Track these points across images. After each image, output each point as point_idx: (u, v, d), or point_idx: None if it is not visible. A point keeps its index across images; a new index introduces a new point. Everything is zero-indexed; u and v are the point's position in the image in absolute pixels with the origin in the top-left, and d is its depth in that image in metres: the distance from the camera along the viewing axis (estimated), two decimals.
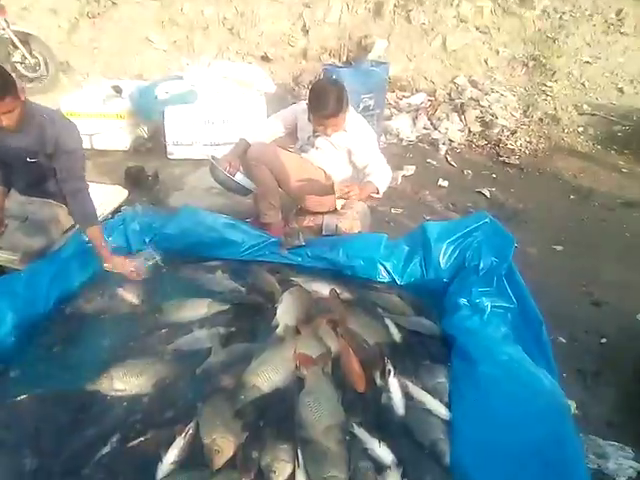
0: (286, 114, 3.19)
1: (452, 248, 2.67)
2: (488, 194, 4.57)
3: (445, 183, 4.72)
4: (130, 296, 2.56)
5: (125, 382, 1.98)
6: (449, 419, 1.93)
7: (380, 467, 1.71)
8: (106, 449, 1.73)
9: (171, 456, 1.69)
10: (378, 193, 2.92)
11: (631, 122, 5.84)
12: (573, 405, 2.18)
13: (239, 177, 3.11)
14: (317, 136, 3.01)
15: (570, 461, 1.55)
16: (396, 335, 2.39)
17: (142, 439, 1.76)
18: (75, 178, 2.59)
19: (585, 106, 6.16)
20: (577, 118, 6.09)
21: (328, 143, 3.01)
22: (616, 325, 2.84)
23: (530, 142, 5.71)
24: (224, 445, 1.69)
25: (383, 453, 1.74)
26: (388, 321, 2.47)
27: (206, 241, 2.91)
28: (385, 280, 2.79)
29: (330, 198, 3.05)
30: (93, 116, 4.82)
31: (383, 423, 1.89)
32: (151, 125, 5.04)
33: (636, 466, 1.97)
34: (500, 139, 5.69)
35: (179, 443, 1.72)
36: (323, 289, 2.67)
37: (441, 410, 1.96)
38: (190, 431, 1.76)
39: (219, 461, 1.65)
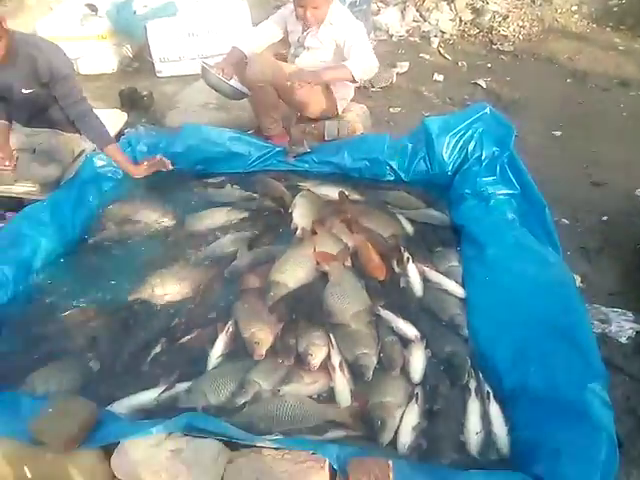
0: (275, 19, 3.10)
1: (454, 141, 2.74)
2: (484, 85, 4.55)
3: (440, 77, 4.68)
4: (152, 212, 2.68)
5: (164, 289, 2.16)
6: (464, 297, 2.11)
7: (405, 341, 1.92)
8: (157, 349, 1.93)
9: (217, 350, 1.89)
10: (353, 80, 2.86)
11: None
12: (578, 279, 2.35)
13: (232, 82, 3.08)
14: (306, 35, 2.94)
15: (576, 325, 1.71)
16: (408, 227, 2.54)
17: (188, 337, 1.96)
18: (77, 101, 2.63)
19: None
20: None
21: (317, 41, 2.94)
22: (616, 203, 2.98)
23: (523, 26, 5.56)
24: (262, 337, 1.89)
25: (407, 328, 1.94)
26: (399, 215, 2.61)
27: (213, 156, 2.97)
28: (392, 178, 2.89)
29: (331, 103, 3.06)
30: (73, 39, 4.62)
31: (404, 304, 2.09)
32: (135, 43, 4.89)
33: (636, 327, 2.19)
34: (492, 26, 5.54)
35: (222, 338, 1.92)
36: (332, 192, 2.78)
37: (457, 289, 2.14)
38: (230, 328, 1.96)
39: (260, 351, 1.85)
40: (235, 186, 2.88)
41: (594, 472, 1.27)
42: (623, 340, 2.12)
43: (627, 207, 2.94)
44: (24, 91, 2.65)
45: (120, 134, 3.25)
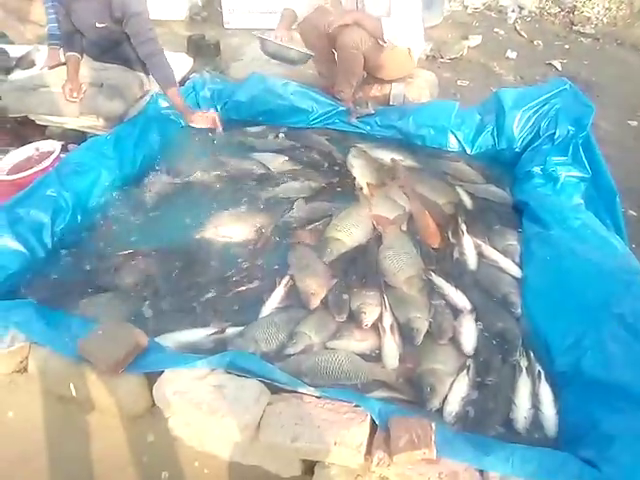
0: None
1: (527, 116, 2.62)
2: (559, 66, 4.32)
3: (513, 54, 4.47)
4: (212, 157, 2.69)
5: (224, 230, 2.18)
6: (520, 277, 2.03)
7: (455, 312, 1.87)
8: (213, 292, 1.94)
9: (273, 301, 1.89)
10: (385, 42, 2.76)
11: None
12: None
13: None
14: None
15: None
16: (466, 200, 2.46)
17: (245, 287, 1.96)
18: (148, 40, 2.66)
19: None
20: None
21: (376, 5, 2.83)
22: None
23: (609, 9, 5.22)
24: (317, 288, 1.89)
25: (459, 299, 1.90)
26: (458, 188, 2.53)
27: (276, 109, 2.94)
28: (455, 149, 2.80)
29: (409, 67, 2.98)
30: None
31: (456, 275, 2.03)
32: None
33: None
34: (575, 6, 5.22)
35: (279, 291, 1.92)
36: (386, 156, 2.72)
37: (513, 268, 2.06)
38: (287, 281, 1.96)
39: (315, 301, 1.85)
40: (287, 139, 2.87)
41: None
42: None
43: None
44: (98, 25, 2.69)
45: (185, 79, 3.25)
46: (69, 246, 2.17)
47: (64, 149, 2.88)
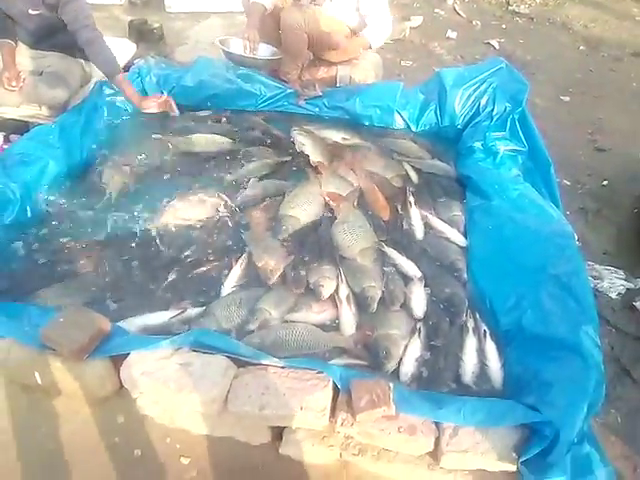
0: None
1: (467, 94, 2.76)
2: (497, 45, 4.51)
3: (453, 34, 4.63)
4: (158, 143, 2.68)
5: (183, 212, 2.21)
6: (465, 245, 2.17)
7: (406, 279, 2.00)
8: (173, 275, 1.98)
9: (231, 280, 1.95)
10: (370, 47, 2.96)
11: None
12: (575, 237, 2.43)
13: (261, 48, 3.05)
14: None
15: (573, 274, 1.77)
16: (413, 176, 2.58)
17: (204, 268, 2.00)
18: (85, 27, 2.54)
19: None
20: None
21: None
22: (618, 169, 3.03)
23: None
24: (275, 264, 1.96)
25: (409, 267, 2.02)
26: (405, 164, 2.64)
27: (224, 93, 2.95)
28: (401, 128, 2.90)
29: (355, 50, 3.07)
30: None
31: (405, 245, 2.16)
32: None
33: (626, 284, 2.28)
34: None
35: (236, 269, 1.98)
36: (333, 135, 2.80)
37: (458, 237, 2.21)
38: (244, 260, 2.01)
39: (273, 277, 1.93)
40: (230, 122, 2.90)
41: (582, 401, 1.36)
42: (613, 296, 2.21)
43: (628, 173, 2.99)
44: (31, 12, 2.59)
45: (129, 65, 3.20)
46: (20, 238, 2.13)
47: (6, 140, 2.81)
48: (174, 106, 2.80)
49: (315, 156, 2.57)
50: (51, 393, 1.66)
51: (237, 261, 2.00)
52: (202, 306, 1.86)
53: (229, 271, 1.97)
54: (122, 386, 1.62)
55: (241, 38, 2.99)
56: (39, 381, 1.64)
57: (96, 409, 1.64)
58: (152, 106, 2.76)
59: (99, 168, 2.50)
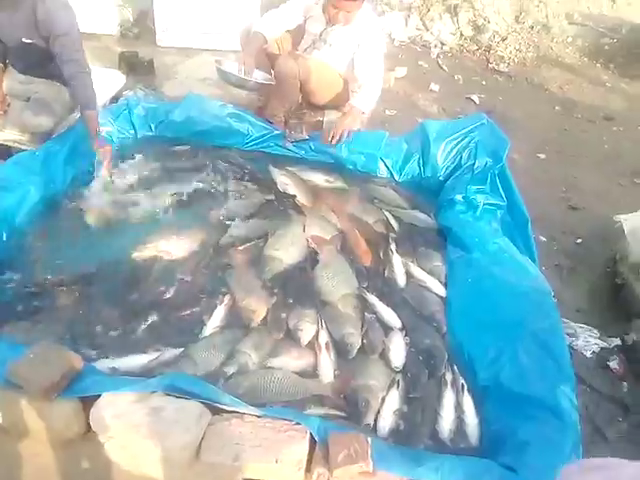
0: (297, 4, 3.10)
1: (450, 147, 2.83)
2: (477, 100, 4.68)
3: (436, 87, 4.78)
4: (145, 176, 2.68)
5: (165, 248, 2.19)
6: (445, 296, 2.19)
7: (386, 328, 2.00)
8: (152, 315, 1.94)
9: (214, 321, 1.93)
10: (364, 114, 3.02)
11: (619, 35, 5.88)
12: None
13: (256, 74, 3.07)
14: (330, 30, 2.98)
15: (550, 331, 1.81)
16: (394, 224, 2.61)
17: (187, 308, 1.98)
18: (71, 61, 2.53)
19: (576, 15, 6.12)
20: (567, 27, 6.08)
21: (341, 39, 2.99)
22: (591, 228, 3.13)
23: (519, 50, 5.72)
24: (258, 306, 1.96)
25: (389, 316, 2.04)
26: (385, 212, 2.67)
27: (212, 130, 2.98)
28: (384, 176, 2.96)
29: (344, 95, 3.13)
30: None
31: (386, 293, 2.17)
32: (136, 8, 4.81)
33: (600, 343, 2.33)
34: (491, 45, 5.69)
35: (220, 310, 1.96)
36: (316, 178, 2.85)
37: (438, 288, 2.23)
38: (227, 301, 2.00)
39: (256, 318, 1.92)
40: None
41: (559, 463, 1.34)
42: (588, 354, 2.25)
43: (600, 232, 3.07)
44: (24, 40, 2.58)
45: (117, 96, 3.22)
46: None
47: None
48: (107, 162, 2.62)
49: (300, 196, 2.61)
50: (13, 434, 1.58)
51: (220, 302, 1.98)
52: (180, 347, 1.82)
53: (211, 312, 1.95)
54: (89, 429, 1.55)
55: (236, 62, 3.02)
56: (0, 420, 1.57)
57: (60, 452, 1.57)
58: (102, 156, 2.59)
59: (81, 197, 2.46)
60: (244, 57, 2.97)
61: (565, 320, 2.39)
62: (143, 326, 1.90)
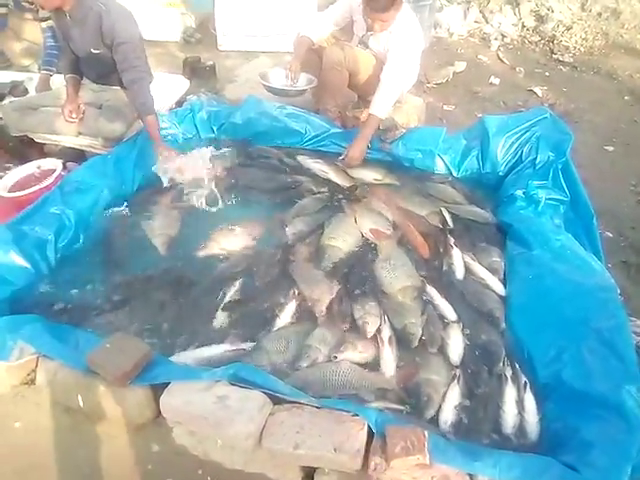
0: (343, 6, 3.12)
1: (510, 142, 2.78)
2: (540, 93, 4.53)
3: (496, 81, 4.67)
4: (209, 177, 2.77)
5: (230, 245, 2.33)
6: (503, 295, 2.16)
7: (444, 321, 2.02)
8: (223, 309, 2.05)
9: (285, 316, 2.02)
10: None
11: None
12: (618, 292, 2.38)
13: (302, 78, 3.16)
14: (370, 35, 3.00)
15: (616, 329, 1.75)
16: (448, 219, 2.58)
17: (260, 306, 2.07)
18: (131, 68, 2.66)
19: None
20: None
21: (379, 45, 3.01)
22: None
23: (586, 39, 5.49)
24: (321, 295, 2.05)
25: (448, 310, 2.05)
26: (442, 208, 2.65)
27: (271, 130, 3.06)
28: (442, 172, 2.94)
29: None
30: (140, 3, 4.74)
31: (445, 286, 2.18)
32: (198, 14, 4.99)
33: None
34: (555, 35, 5.48)
35: (290, 306, 2.05)
36: (367, 176, 2.89)
37: (497, 285, 2.20)
38: (296, 294, 2.09)
39: (321, 307, 2.01)
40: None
41: (625, 465, 1.32)
42: None
43: None
44: (93, 51, 2.74)
45: (182, 100, 3.36)
46: (72, 264, 2.24)
47: (63, 167, 2.97)
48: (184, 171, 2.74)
49: (343, 181, 2.73)
50: (92, 417, 1.71)
51: (288, 296, 2.08)
52: (253, 341, 1.91)
53: (281, 306, 2.04)
54: (160, 415, 1.66)
55: (284, 69, 3.12)
56: (81, 404, 1.70)
57: (133, 435, 1.68)
58: (167, 157, 2.71)
59: (150, 199, 2.62)
60: (291, 61, 3.05)
61: (632, 319, 2.30)
62: (215, 319, 2.00)
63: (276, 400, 1.60)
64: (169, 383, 1.63)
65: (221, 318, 2.01)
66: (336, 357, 1.83)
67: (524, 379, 1.77)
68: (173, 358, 1.80)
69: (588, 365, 1.65)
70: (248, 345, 1.89)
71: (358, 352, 1.86)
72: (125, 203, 2.59)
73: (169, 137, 3.00)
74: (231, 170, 2.86)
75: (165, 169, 2.69)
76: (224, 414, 1.55)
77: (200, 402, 1.58)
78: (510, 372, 1.80)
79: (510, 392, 1.73)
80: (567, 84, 4.76)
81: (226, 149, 2.99)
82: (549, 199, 2.53)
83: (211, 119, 3.10)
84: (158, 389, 1.64)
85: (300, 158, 2.97)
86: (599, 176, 3.33)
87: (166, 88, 3.28)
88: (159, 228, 2.42)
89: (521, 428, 1.64)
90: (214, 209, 2.59)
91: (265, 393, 1.60)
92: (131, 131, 2.96)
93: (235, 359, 1.79)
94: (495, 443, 1.58)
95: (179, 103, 3.34)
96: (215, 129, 3.09)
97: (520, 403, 1.70)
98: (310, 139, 3.05)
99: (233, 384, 1.63)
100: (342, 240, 2.33)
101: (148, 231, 2.41)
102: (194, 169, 2.70)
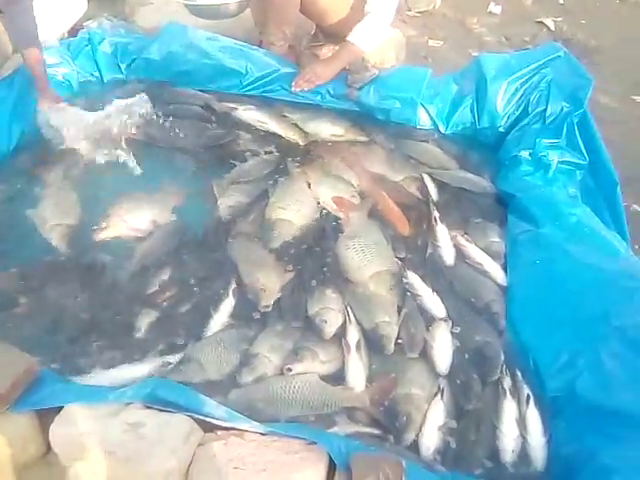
0: None
1: (514, 88, 2.81)
2: (552, 25, 4.61)
3: (497, 9, 4.73)
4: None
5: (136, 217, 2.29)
6: (504, 282, 2.22)
7: (428, 318, 2.04)
8: (142, 315, 2.02)
9: (221, 314, 2.01)
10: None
11: None
12: None
13: None
14: None
15: None
16: (433, 188, 2.61)
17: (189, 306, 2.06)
18: None
19: None
20: None
21: None
22: None
23: None
24: (268, 282, 2.04)
25: (434, 304, 2.07)
26: (424, 174, 2.68)
27: (199, 69, 3.02)
28: (426, 127, 2.96)
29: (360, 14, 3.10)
30: None
31: (429, 274, 2.21)
32: None
33: None
34: None
35: (227, 300, 2.04)
36: (321, 130, 2.91)
37: (498, 273, 2.25)
38: (233, 285, 2.08)
39: (267, 300, 1.99)
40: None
41: None
42: None
43: None
44: None
45: (77, 28, 3.26)
46: None
47: None
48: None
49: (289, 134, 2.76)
50: None
51: (224, 288, 2.05)
52: (180, 351, 1.89)
53: (213, 302, 2.02)
54: (50, 450, 1.63)
55: None
56: None
57: (14, 478, 1.64)
58: (51, 108, 2.64)
59: (32, 159, 2.55)
60: None
61: None
62: (132, 328, 1.98)
63: (208, 427, 1.59)
64: (62, 408, 1.60)
65: (138, 323, 1.99)
66: (290, 369, 1.83)
67: (527, 391, 1.81)
68: (74, 379, 1.77)
69: (609, 373, 1.70)
70: (174, 357, 1.87)
71: (319, 362, 1.87)
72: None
73: (60, 78, 2.91)
74: (145, 124, 2.80)
75: (53, 124, 2.61)
76: (137, 446, 1.53)
77: (105, 432, 1.55)
78: (510, 383, 1.84)
79: (510, 408, 1.77)
80: (587, 15, 4.85)
81: (138, 95, 2.90)
82: (562, 162, 2.58)
83: (117, 54, 3.04)
84: (48, 416, 1.61)
85: (237, 106, 2.94)
86: (626, 135, 3.42)
87: (56, 11, 3.17)
88: (52, 217, 2.34)
89: (523, 454, 1.68)
90: (123, 177, 2.54)
91: (192, 417, 1.59)
92: (5, 69, 2.86)
93: (157, 375, 1.78)
94: (490, 473, 1.63)
95: (73, 31, 3.24)
96: (123, 67, 3.03)
97: (522, 422, 1.75)
98: (252, 82, 3.03)
99: (149, 407, 1.61)
100: (294, 211, 2.32)
101: (38, 223, 2.33)
102: (95, 123, 2.63)
